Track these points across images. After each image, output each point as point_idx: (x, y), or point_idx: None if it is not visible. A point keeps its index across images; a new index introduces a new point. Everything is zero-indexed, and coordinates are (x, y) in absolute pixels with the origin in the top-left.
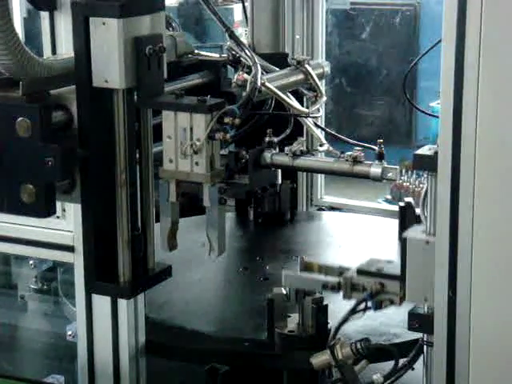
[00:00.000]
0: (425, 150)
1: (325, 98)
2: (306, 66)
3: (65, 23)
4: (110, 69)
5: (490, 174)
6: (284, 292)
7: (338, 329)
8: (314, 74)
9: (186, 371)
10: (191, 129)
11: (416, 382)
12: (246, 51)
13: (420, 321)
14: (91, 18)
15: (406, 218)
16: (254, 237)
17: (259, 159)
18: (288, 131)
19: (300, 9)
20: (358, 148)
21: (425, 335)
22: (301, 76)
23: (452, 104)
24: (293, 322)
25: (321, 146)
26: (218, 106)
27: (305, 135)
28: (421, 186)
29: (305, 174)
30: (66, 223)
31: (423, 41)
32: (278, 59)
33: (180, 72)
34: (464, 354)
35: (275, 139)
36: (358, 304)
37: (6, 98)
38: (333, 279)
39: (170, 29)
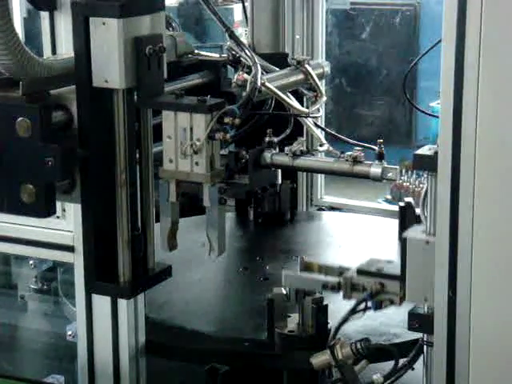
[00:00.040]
0: (425, 150)
1: (325, 98)
2: (306, 65)
3: (65, 23)
4: (110, 69)
5: (490, 174)
6: (284, 292)
7: (337, 329)
8: (313, 73)
9: (186, 371)
10: (191, 129)
11: (416, 382)
12: (246, 51)
13: (420, 321)
14: (91, 18)
15: (406, 218)
16: (253, 237)
17: (259, 159)
18: (288, 131)
19: (300, 9)
20: (357, 148)
21: (425, 335)
22: (301, 76)
23: (452, 104)
24: (293, 321)
25: (321, 146)
26: (217, 106)
27: (305, 135)
28: (421, 186)
29: (305, 174)
30: (66, 223)
31: (423, 41)
32: (278, 59)
33: (180, 72)
34: (464, 354)
35: (275, 139)
36: (357, 304)
37: (6, 98)
38: (333, 279)
39: (170, 29)
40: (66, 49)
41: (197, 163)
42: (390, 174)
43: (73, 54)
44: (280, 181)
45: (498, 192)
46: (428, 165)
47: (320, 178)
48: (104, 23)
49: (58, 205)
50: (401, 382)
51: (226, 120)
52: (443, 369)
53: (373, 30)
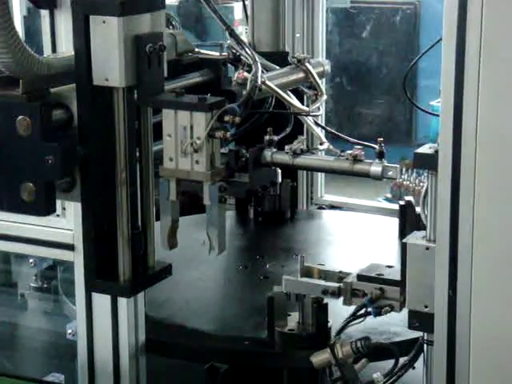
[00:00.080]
0: (425, 149)
1: (325, 97)
2: (307, 64)
3: (65, 21)
4: (110, 67)
5: (490, 173)
6: (284, 291)
7: (338, 333)
8: (314, 72)
9: (186, 370)
10: (191, 127)
11: (416, 381)
12: (247, 49)
13: (420, 319)
14: (91, 16)
15: (407, 216)
16: (254, 235)
17: (259, 158)
18: (288, 130)
19: (300, 7)
20: (358, 147)
21: (425, 334)
22: (301, 74)
23: (452, 103)
24: (293, 320)
25: (321, 144)
26: (218, 105)
27: (305, 134)
28: (421, 184)
29: (305, 172)
30: (66, 221)
31: (423, 39)
32: (279, 58)
33: (180, 70)
34: (464, 353)
35: (275, 138)
36: (358, 310)
37: (6, 96)
38: (333, 284)
39: (171, 27)
40: (66, 47)
41: (197, 162)
42: (390, 173)
43: (73, 53)
44: (280, 179)
45: (499, 191)
46: (428, 163)
47: (320, 177)
48: (104, 21)
49: (58, 203)
50: (401, 381)
51: (227, 118)
52: (443, 368)
53: (373, 29)
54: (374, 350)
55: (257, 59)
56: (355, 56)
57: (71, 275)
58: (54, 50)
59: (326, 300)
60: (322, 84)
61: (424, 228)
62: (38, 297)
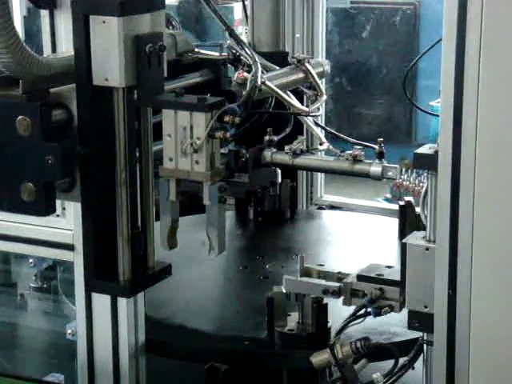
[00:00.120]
0: (425, 149)
1: (325, 97)
2: (306, 64)
3: (65, 21)
4: (110, 67)
5: (490, 173)
6: (284, 291)
7: (338, 333)
8: (314, 72)
9: (186, 370)
10: (191, 127)
11: (416, 381)
12: (246, 50)
13: (420, 320)
14: (91, 16)
15: (406, 216)
16: (253, 235)
17: (259, 158)
18: (288, 130)
19: (300, 7)
20: (358, 147)
21: (425, 334)
22: (301, 75)
23: (452, 103)
24: (293, 320)
25: (321, 144)
26: (218, 105)
27: (305, 134)
28: (421, 184)
29: (305, 172)
30: (66, 222)
31: (423, 39)
32: (278, 58)
33: (180, 70)
34: (464, 353)
35: (275, 138)
36: (357, 310)
37: (6, 97)
38: (333, 284)
39: (170, 27)
40: (66, 47)
41: (197, 162)
42: (390, 173)
43: (73, 53)
44: (280, 179)
45: (499, 191)
46: (428, 164)
47: (320, 177)
48: (104, 21)
49: (58, 203)
50: (401, 381)
51: (226, 119)
52: (443, 368)
53: (373, 29)
54: (374, 351)
55: (257, 59)
56: (355, 56)
57: (71, 275)
58: (53, 50)
59: (325, 300)
60: (322, 84)
61: (424, 228)
62: (37, 297)
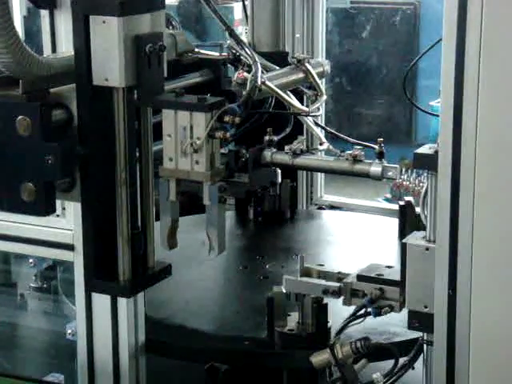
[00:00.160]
0: (425, 149)
1: (325, 97)
2: (306, 64)
3: (65, 21)
4: (110, 67)
5: (490, 173)
6: (284, 291)
7: (338, 333)
8: (314, 72)
9: (185, 370)
10: (191, 127)
11: (416, 381)
12: (246, 50)
13: (420, 320)
14: (91, 16)
15: (406, 216)
16: (253, 235)
17: (259, 158)
18: (288, 130)
19: (300, 7)
20: (358, 147)
21: (425, 334)
22: (301, 75)
23: (452, 103)
24: (293, 320)
25: (321, 144)
26: (218, 105)
27: (305, 134)
28: (421, 184)
29: (305, 172)
30: (66, 222)
31: (423, 39)
32: (278, 58)
33: (180, 70)
34: (464, 353)
35: (275, 138)
36: (357, 310)
37: (6, 97)
38: (334, 284)
39: (170, 27)
40: (66, 47)
41: (197, 162)
42: (390, 173)
43: (73, 53)
44: (280, 179)
45: (499, 191)
46: (428, 164)
47: (320, 177)
48: (104, 21)
49: (58, 203)
50: (401, 381)
51: (226, 119)
52: (443, 368)
53: (373, 29)
54: (374, 351)
55: (257, 59)
56: (355, 56)
57: (71, 275)
58: (53, 50)
59: (325, 300)
60: (322, 84)
61: (424, 228)
62: (37, 297)
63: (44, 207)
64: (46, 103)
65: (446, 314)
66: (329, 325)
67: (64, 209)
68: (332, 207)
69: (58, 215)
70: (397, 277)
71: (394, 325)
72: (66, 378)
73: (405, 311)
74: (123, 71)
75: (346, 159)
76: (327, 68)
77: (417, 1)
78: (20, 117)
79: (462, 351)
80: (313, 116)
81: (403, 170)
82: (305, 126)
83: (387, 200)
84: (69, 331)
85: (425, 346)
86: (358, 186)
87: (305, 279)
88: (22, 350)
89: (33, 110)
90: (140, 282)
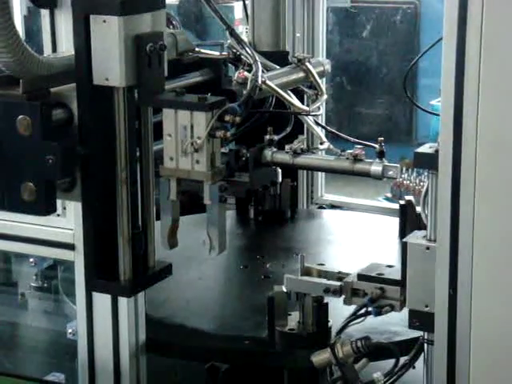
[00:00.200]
0: (425, 148)
1: (325, 96)
2: (307, 64)
3: (65, 21)
4: (110, 67)
5: (490, 172)
6: (284, 290)
7: (339, 332)
8: (314, 72)
9: (186, 369)
10: (192, 127)
11: (416, 380)
12: (247, 49)
13: (421, 319)
14: (92, 16)
15: (407, 216)
16: (254, 235)
17: (260, 157)
18: (288, 129)
19: (300, 7)
20: (358, 146)
21: (425, 333)
22: (301, 74)
23: (453, 102)
24: (293, 320)
25: (321, 144)
26: (218, 104)
27: (305, 133)
28: (421, 184)
29: (305, 172)
30: (67, 221)
31: (424, 39)
32: (279, 57)
33: (180, 70)
34: (465, 352)
35: (276, 137)
36: (358, 309)
37: (7, 96)
38: (334, 283)
39: (171, 27)
40: (67, 47)
41: (197, 161)
42: (390, 172)
43: (73, 52)
44: (280, 179)
45: (499, 190)
46: (429, 163)
47: (320, 176)
48: (104, 21)
49: (59, 203)
50: (401, 381)
51: (227, 118)
52: (444, 367)
53: (373, 28)
54: (375, 350)
55: (257, 59)
56: (355, 55)
57: (71, 275)
58: (54, 49)
59: (326, 299)
60: (323, 83)
61: (424, 227)
62: (38, 296)
63: (44, 207)
64: (46, 103)
65: (447, 314)
66: (329, 324)
67: (64, 208)
68: (332, 206)
69: (58, 215)
70: (397, 276)
71: (394, 324)
72: (67, 378)
73: (405, 310)
74: (123, 71)
75: (347, 158)
76: (328, 67)
77: (417, 0)
78: (20, 116)
79: (462, 350)
80: (313, 115)
81: (404, 169)
82: (305, 125)
83: (388, 199)
84: (69, 331)
85: (425, 345)
86: (359, 186)
87: (306, 278)
88: (22, 350)
89: (33, 110)
90: (140, 282)
